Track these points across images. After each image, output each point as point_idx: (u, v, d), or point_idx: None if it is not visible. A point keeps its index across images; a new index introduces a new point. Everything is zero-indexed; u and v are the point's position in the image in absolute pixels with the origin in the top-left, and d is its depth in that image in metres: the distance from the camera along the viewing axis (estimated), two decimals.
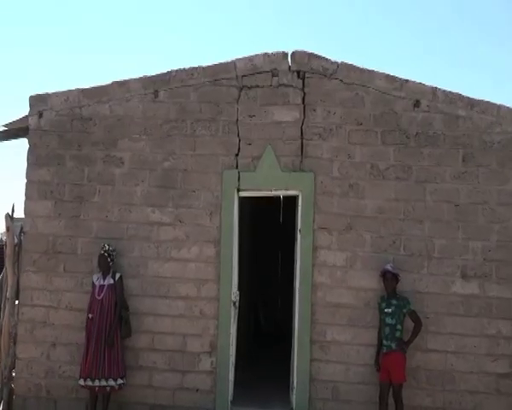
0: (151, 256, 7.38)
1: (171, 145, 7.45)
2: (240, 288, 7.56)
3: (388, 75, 7.31)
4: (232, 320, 7.34)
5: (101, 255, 7.12)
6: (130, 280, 7.35)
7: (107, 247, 7.17)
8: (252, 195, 7.56)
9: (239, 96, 7.41)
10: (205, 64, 7.49)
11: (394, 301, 6.86)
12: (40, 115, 7.62)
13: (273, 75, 7.40)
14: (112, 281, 7.11)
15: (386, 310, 6.86)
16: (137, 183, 7.45)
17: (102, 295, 7.04)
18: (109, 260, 7.15)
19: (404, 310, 6.84)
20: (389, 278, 6.90)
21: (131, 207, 7.44)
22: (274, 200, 10.97)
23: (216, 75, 7.46)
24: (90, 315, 7.04)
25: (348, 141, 7.30)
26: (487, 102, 7.23)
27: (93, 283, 7.20)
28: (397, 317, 6.81)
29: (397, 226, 7.20)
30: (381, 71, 7.33)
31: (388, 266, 6.94)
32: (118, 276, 7.17)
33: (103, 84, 7.59)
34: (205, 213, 7.37)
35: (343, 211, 7.24)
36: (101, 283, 7.12)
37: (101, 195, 7.48)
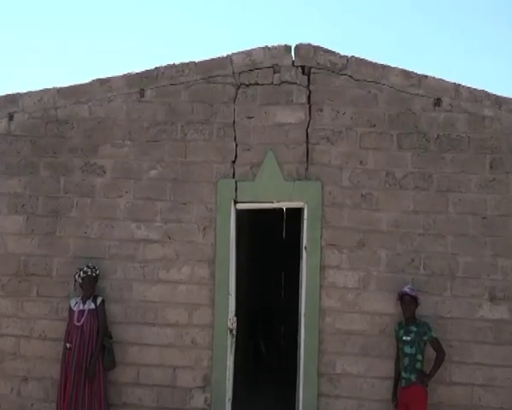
0: (136, 278, 7.37)
1: (159, 151, 7.44)
2: (237, 313, 7.56)
3: (405, 70, 7.32)
4: (229, 350, 7.31)
5: (86, 276, 7.10)
6: (113, 305, 7.33)
7: (92, 266, 7.16)
8: (251, 207, 7.57)
9: (236, 94, 7.43)
10: (197, 59, 7.52)
11: (413, 328, 6.83)
12: (10, 118, 7.61)
13: (274, 71, 7.42)
14: (93, 306, 7.09)
15: (404, 338, 6.83)
16: (121, 194, 7.45)
17: (83, 321, 7.01)
18: (94, 281, 7.15)
19: (425, 338, 6.80)
20: (407, 302, 6.87)
21: (114, 222, 7.43)
22: (276, 213, 10.96)
23: (210, 72, 7.47)
24: (68, 345, 7.00)
25: (360, 145, 7.29)
26: None
27: (70, 308, 7.17)
28: (417, 345, 6.78)
29: (416, 242, 7.19)
30: (396, 66, 7.36)
31: (406, 288, 6.93)
32: (100, 300, 7.16)
33: (82, 82, 7.61)
34: (197, 228, 7.36)
35: (354, 225, 7.23)
36: (81, 308, 7.08)
37: (79, 208, 7.48)
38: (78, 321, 7.00)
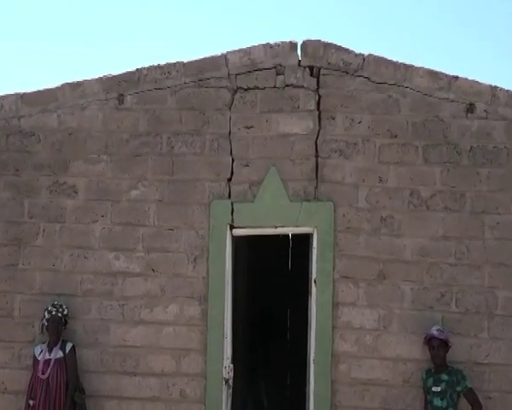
0: (114, 318, 7.35)
1: (141, 168, 7.46)
2: (235, 360, 7.53)
3: (431, 71, 7.34)
4: (224, 405, 7.28)
5: (51, 318, 7.07)
6: (86, 351, 7.30)
7: (58, 306, 7.12)
8: (250, 233, 7.58)
9: (232, 100, 7.46)
10: (186, 59, 7.54)
11: (445, 377, 6.80)
12: None
13: (277, 73, 7.45)
14: (61, 354, 7.05)
15: (433, 389, 6.80)
16: (96, 219, 7.46)
17: (48, 373, 6.97)
18: (62, 324, 7.13)
19: (458, 388, 6.78)
20: (436, 346, 6.85)
21: (87, 251, 7.43)
22: (280, 240, 10.92)
23: (201, 73, 7.49)
24: (32, 401, 6.97)
25: (379, 159, 7.30)
26: None
27: (35, 357, 7.13)
28: (448, 397, 6.75)
29: (446, 274, 7.19)
30: (420, 66, 7.38)
31: (435, 330, 6.90)
32: (69, 346, 7.11)
33: (50, 87, 7.63)
34: (186, 258, 7.36)
35: (373, 254, 7.23)
36: (47, 356, 7.04)
37: (46, 236, 7.47)
38: (43, 373, 6.96)
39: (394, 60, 7.38)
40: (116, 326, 7.33)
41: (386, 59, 7.38)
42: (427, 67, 7.35)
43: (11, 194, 7.53)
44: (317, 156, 7.34)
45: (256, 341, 11.66)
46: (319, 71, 7.40)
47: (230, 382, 7.32)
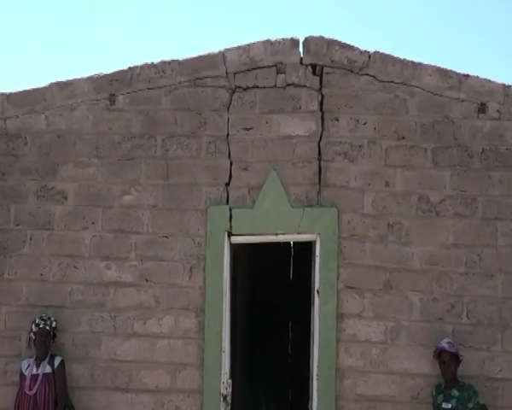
0: (105, 331, 7.35)
1: (134, 172, 7.47)
2: (233, 375, 7.52)
3: (441, 69, 7.35)
4: None
5: (38, 331, 7.06)
6: (76, 366, 7.30)
7: (46, 318, 7.11)
8: (249, 241, 7.60)
9: (230, 100, 7.47)
10: (181, 57, 7.57)
11: (455, 393, 6.79)
12: None
13: (278, 71, 7.47)
14: (49, 369, 7.05)
15: (444, 405, 6.79)
16: (86, 226, 7.46)
17: (35, 389, 6.96)
18: (50, 337, 7.11)
19: (470, 405, 6.76)
20: (447, 360, 6.84)
21: (77, 260, 7.44)
22: (281, 248, 10.92)
23: (197, 72, 7.51)
24: None
25: (385, 162, 7.32)
26: None
27: (21, 372, 7.12)
28: None
29: (457, 284, 7.19)
30: (429, 63, 7.40)
31: (445, 343, 6.89)
32: (58, 361, 7.11)
33: (38, 86, 7.64)
34: (182, 267, 7.37)
35: (380, 262, 7.24)
36: (34, 372, 7.03)
37: (33, 244, 7.48)
38: (31, 389, 6.95)
39: (401, 57, 7.40)
40: (107, 340, 7.32)
41: (392, 56, 7.39)
42: (436, 64, 7.37)
43: None
44: (319, 159, 7.35)
45: (256, 355, 11.64)
46: (322, 69, 7.41)
47: (229, 398, 7.31)
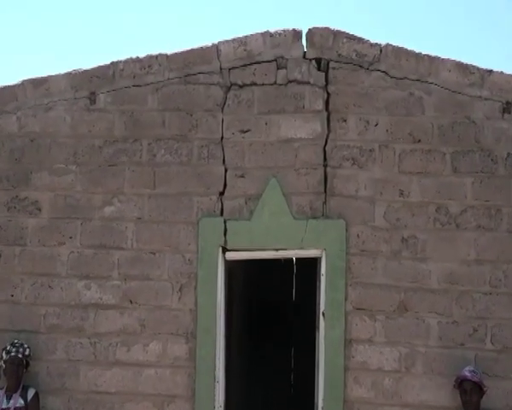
0: (84, 359, 7.37)
1: (117, 180, 7.48)
2: (228, 407, 7.51)
3: (461, 64, 7.36)
4: None
5: (9, 359, 7.08)
6: (51, 398, 7.30)
7: (18, 345, 7.12)
8: (246, 257, 7.62)
9: (225, 99, 7.50)
10: (170, 51, 7.59)
11: None
12: None
13: (278, 66, 7.49)
14: (22, 402, 7.07)
15: None
16: (62, 241, 7.48)
17: None
18: (23, 366, 7.11)
19: None
20: (469, 390, 6.83)
21: (53, 279, 7.45)
22: (283, 265, 10.95)
23: (188, 67, 7.52)
24: None
25: (399, 168, 7.33)
26: None
27: None
28: None
29: (480, 304, 7.19)
30: (448, 57, 7.41)
31: (467, 371, 6.89)
32: (31, 393, 7.13)
33: (9, 84, 7.68)
34: (171, 287, 7.38)
35: (393, 281, 7.25)
36: (5, 405, 7.06)
37: (4, 261, 7.51)
38: None
39: (416, 51, 7.41)
40: (87, 369, 7.34)
41: (406, 50, 7.40)
42: (455, 59, 7.38)
43: None
44: (325, 165, 7.36)
45: (254, 385, 11.64)
46: (328, 64, 7.43)
47: None
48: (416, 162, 7.30)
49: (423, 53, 7.39)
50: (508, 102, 7.30)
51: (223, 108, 7.45)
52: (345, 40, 7.40)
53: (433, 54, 7.37)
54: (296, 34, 7.45)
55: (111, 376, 7.31)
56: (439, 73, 7.33)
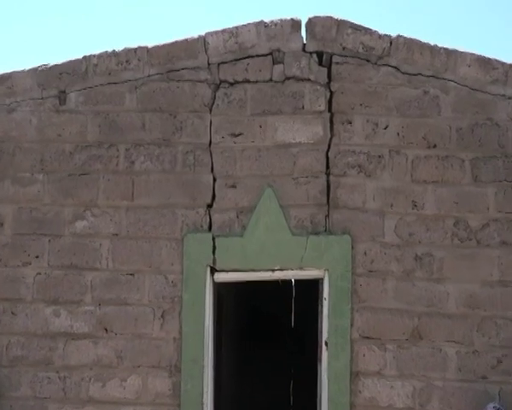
0: (53, 396, 7.36)
1: (90, 190, 7.49)
2: None
3: (483, 58, 7.40)
4: None
5: None
6: None
7: None
8: (238, 279, 7.68)
9: (213, 99, 7.53)
10: (151, 43, 7.61)
11: None
12: None
13: (275, 61, 7.53)
14: None
15: None
16: (27, 261, 7.48)
17: None
18: None
19: None
20: None
21: (16, 305, 7.45)
22: (280, 287, 10.94)
23: (171, 62, 7.54)
24: None
25: (412, 177, 7.35)
26: None
27: None
28: None
29: (505, 332, 7.21)
30: (467, 51, 7.45)
31: (491, 408, 6.90)
32: None
33: None
34: (152, 313, 7.38)
35: (405, 306, 7.27)
36: None
37: None
38: None
39: (432, 43, 7.43)
40: (56, 407, 7.32)
41: (420, 42, 7.43)
42: (475, 52, 7.41)
43: None
44: (328, 174, 7.38)
45: None
46: (331, 58, 7.45)
47: None
48: (431, 170, 7.32)
49: (439, 46, 7.40)
50: None
51: (211, 109, 7.45)
52: (350, 31, 7.41)
53: (450, 47, 7.38)
54: (294, 24, 7.47)
55: None
56: (458, 69, 7.36)
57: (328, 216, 7.33)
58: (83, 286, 7.39)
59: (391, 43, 7.40)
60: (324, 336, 7.30)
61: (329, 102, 7.40)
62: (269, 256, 7.33)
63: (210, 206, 7.40)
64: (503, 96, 7.33)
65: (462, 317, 7.20)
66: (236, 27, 7.47)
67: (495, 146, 7.30)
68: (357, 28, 7.42)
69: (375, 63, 7.41)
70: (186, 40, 7.50)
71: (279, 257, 7.34)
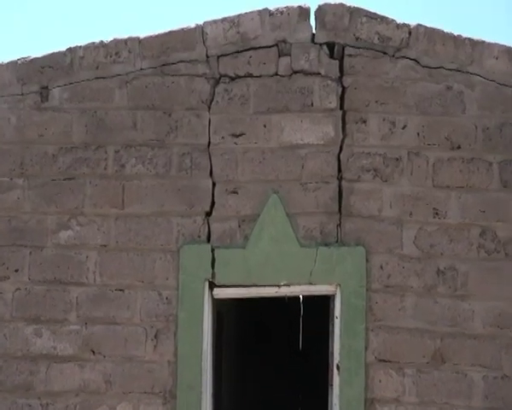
0: None
1: (76, 197, 7.51)
2: None
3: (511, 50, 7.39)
4: None
5: None
6: None
7: None
8: (240, 295, 7.67)
9: (212, 95, 7.54)
10: (143, 34, 7.63)
11: None
12: None
13: (280, 53, 7.55)
14: None
15: None
16: (6, 275, 7.50)
17: None
18: None
19: None
20: None
21: None
22: (286, 304, 10.96)
23: (166, 55, 7.56)
24: None
25: (433, 182, 7.37)
26: None
27: None
28: None
29: None
30: (495, 42, 7.45)
31: None
32: None
33: None
34: (144, 334, 7.39)
35: (426, 325, 7.28)
36: None
37: None
38: None
39: (455, 33, 7.43)
40: None
41: (442, 32, 7.45)
42: (504, 43, 7.43)
43: None
44: (340, 178, 7.40)
45: None
46: (343, 50, 7.46)
47: None
48: (454, 174, 7.33)
49: (464, 36, 7.40)
50: None
51: (210, 106, 7.46)
52: (364, 20, 7.42)
53: (476, 37, 7.39)
54: (302, 12, 7.47)
55: None
56: (484, 62, 7.37)
57: (339, 225, 7.34)
58: (67, 303, 7.38)
59: (410, 33, 7.40)
60: (336, 358, 7.31)
61: (341, 99, 7.40)
62: (274, 270, 7.33)
63: (209, 214, 7.40)
64: None
65: (489, 338, 7.21)
66: (238, 16, 7.48)
67: None
68: (373, 17, 7.42)
69: (393, 55, 7.40)
70: (182, 30, 7.50)
71: (285, 271, 7.33)
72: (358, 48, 7.41)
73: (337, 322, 7.31)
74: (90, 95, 7.52)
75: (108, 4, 24.15)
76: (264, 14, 7.45)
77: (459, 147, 7.31)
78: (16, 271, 7.41)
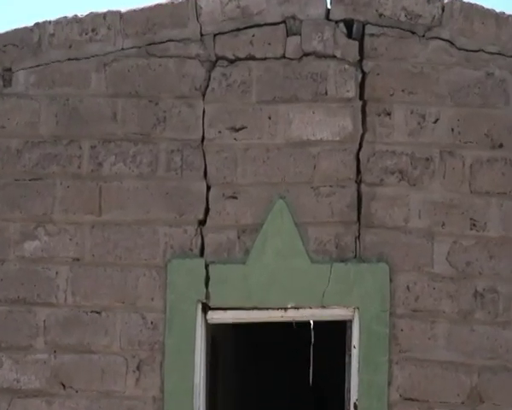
0: None
1: (44, 201, 7.51)
2: None
3: None
4: None
5: None
6: None
7: None
8: (239, 319, 7.71)
9: (208, 81, 7.56)
10: (125, 8, 7.68)
11: None
12: None
13: (289, 32, 7.58)
14: None
15: None
16: None
17: None
18: None
19: None
20: None
21: None
22: (295, 330, 10.98)
23: (152, 32, 7.60)
24: None
25: (471, 187, 7.38)
26: None
27: None
28: None
29: None
30: None
31: None
32: None
33: None
34: (124, 364, 7.41)
35: (461, 357, 7.29)
36: None
37: None
38: None
39: (497, 10, 7.40)
40: None
41: (482, 8, 7.46)
42: None
43: None
44: (359, 182, 7.40)
45: None
46: (363, 29, 7.43)
47: None
48: (495, 178, 7.31)
49: (507, 13, 7.38)
50: None
51: (204, 94, 7.46)
52: None
53: None
54: None
55: None
56: None
57: (358, 238, 7.33)
58: (33, 327, 7.38)
59: (443, 9, 7.39)
60: (353, 396, 7.30)
61: (361, 87, 7.39)
62: (280, 290, 7.33)
63: (202, 223, 7.41)
64: None
65: None
66: None
67: None
68: None
69: (423, 36, 7.40)
70: (172, 3, 7.53)
71: (293, 291, 7.33)
72: (382, 26, 7.40)
73: (355, 352, 7.29)
74: (61, 79, 7.51)
75: None
76: None
77: (501, 145, 7.29)
78: None
